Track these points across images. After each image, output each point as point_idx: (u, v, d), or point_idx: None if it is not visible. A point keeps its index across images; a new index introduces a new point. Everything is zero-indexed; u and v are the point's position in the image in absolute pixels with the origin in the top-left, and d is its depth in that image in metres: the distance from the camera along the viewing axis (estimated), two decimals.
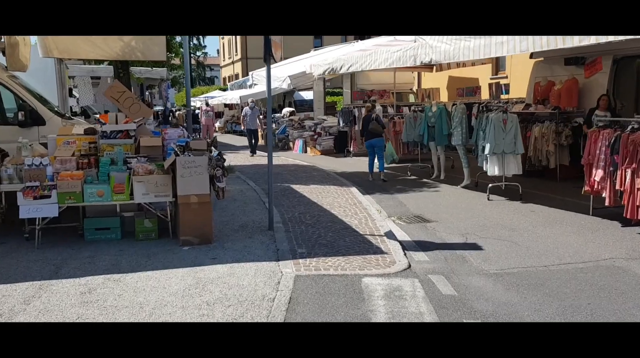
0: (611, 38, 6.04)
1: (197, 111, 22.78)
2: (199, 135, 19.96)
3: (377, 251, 6.30)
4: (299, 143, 18.50)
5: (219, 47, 63.34)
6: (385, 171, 11.88)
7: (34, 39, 10.71)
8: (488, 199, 9.27)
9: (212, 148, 6.82)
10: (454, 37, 8.59)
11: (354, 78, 18.53)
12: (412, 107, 13.67)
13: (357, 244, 6.60)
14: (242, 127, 17.50)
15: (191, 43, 65.33)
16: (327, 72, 14.58)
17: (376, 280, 5.34)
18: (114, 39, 10.61)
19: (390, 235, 7.01)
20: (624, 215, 6.97)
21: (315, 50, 23.92)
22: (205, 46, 70.73)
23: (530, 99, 12.47)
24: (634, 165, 6.75)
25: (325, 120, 18.55)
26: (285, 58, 26.78)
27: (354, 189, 10.38)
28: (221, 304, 4.72)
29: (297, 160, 15.77)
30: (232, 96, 28.67)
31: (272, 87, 21.32)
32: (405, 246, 6.59)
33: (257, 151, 17.29)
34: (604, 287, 5.16)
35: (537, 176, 10.97)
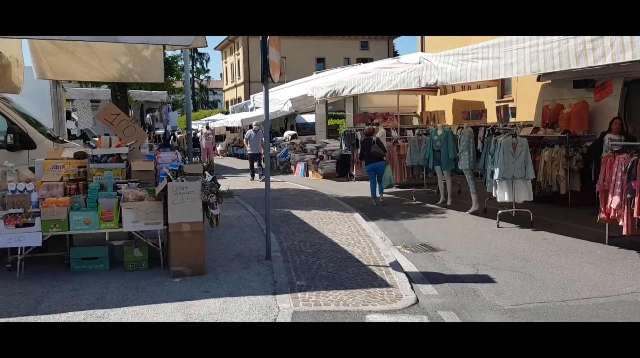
0: (629, 57, 5.69)
1: (197, 134, 22.50)
2: (200, 158, 19.78)
3: (382, 283, 5.87)
4: (300, 167, 18.18)
5: (222, 71, 63.53)
6: (390, 196, 11.50)
7: (27, 61, 10.46)
8: (498, 226, 8.86)
9: (207, 172, 6.44)
10: (460, 58, 8.28)
11: (356, 101, 18.28)
12: (417, 131, 13.32)
13: (361, 275, 6.18)
14: (247, 150, 17.18)
15: (194, 67, 65.72)
16: (329, 94, 14.31)
17: (381, 317, 4.91)
18: (109, 61, 10.35)
19: (395, 265, 6.59)
20: None
21: (317, 73, 23.75)
22: (208, 70, 71.15)
23: (538, 123, 12.13)
24: None
25: (327, 143, 18.25)
26: (287, 81, 26.70)
27: (357, 215, 9.98)
28: None
29: (298, 184, 15.41)
30: (234, 119, 28.48)
31: (273, 110, 21.18)
32: (412, 278, 6.16)
33: (258, 175, 16.85)
34: None
35: (547, 202, 10.57)
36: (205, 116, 39.80)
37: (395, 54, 48.91)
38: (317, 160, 17.54)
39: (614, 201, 7.04)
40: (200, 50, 66.33)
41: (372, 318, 4.89)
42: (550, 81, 12.17)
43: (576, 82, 11.09)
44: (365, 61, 25.23)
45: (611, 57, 5.77)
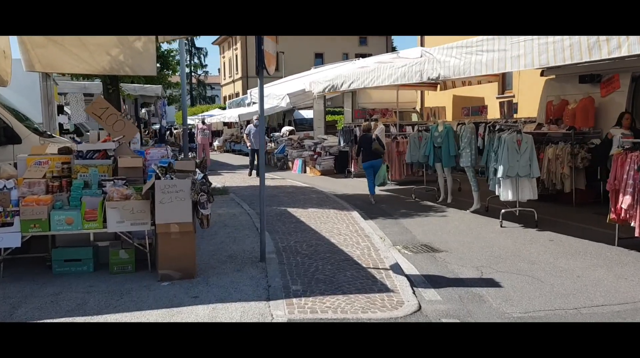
0: None
1: (193, 130, 22.13)
2: (196, 154, 19.41)
3: (382, 288, 5.54)
4: (298, 163, 17.86)
5: (220, 66, 63.09)
6: (388, 193, 11.18)
7: (16, 53, 10.08)
8: (501, 226, 8.54)
9: (198, 169, 6.09)
10: (464, 50, 7.93)
11: (355, 96, 17.95)
12: (417, 127, 12.97)
13: (360, 279, 5.84)
14: (248, 145, 16.85)
15: (192, 61, 65.22)
16: (327, 89, 13.96)
17: None
18: (100, 53, 9.97)
19: (396, 268, 6.25)
20: None
21: (315, 68, 23.39)
22: (206, 65, 70.74)
23: (542, 119, 11.79)
24: None
25: (325, 139, 17.92)
26: (285, 76, 26.30)
27: (355, 214, 9.65)
28: None
29: (295, 181, 15.06)
30: (231, 115, 28.11)
31: (270, 106, 20.84)
32: (414, 282, 5.83)
33: (256, 172, 16.45)
34: None
35: (550, 200, 10.23)
36: (203, 112, 39.42)
37: (394, 50, 48.52)
38: (315, 156, 17.23)
39: (625, 201, 6.71)
40: (197, 44, 65.96)
41: None
42: (554, 76, 11.84)
43: (582, 77, 10.76)
44: (363, 56, 24.80)
45: (627, 49, 5.42)
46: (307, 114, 25.65)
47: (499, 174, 8.50)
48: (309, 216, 9.50)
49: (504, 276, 6.02)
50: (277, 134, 22.36)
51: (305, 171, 17.38)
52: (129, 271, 5.93)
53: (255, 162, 16.59)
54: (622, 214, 6.80)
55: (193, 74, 66.94)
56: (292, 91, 18.65)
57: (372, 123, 14.58)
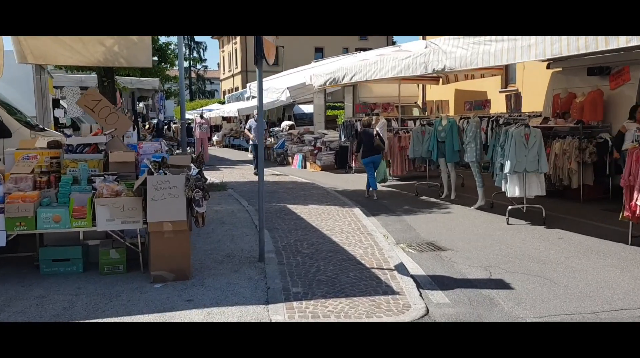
0: None
1: (192, 124, 21.80)
2: (194, 149, 19.10)
3: (387, 290, 5.24)
4: (298, 158, 17.56)
5: (220, 61, 62.64)
6: (391, 189, 10.89)
7: (8, 44, 9.76)
8: (507, 223, 8.25)
9: (193, 165, 5.79)
10: (472, 40, 7.61)
11: (356, 91, 17.64)
12: (420, 121, 12.67)
13: (363, 280, 5.55)
14: (251, 138, 16.51)
15: (191, 55, 64.80)
16: (328, 82, 13.64)
17: None
18: (94, 44, 9.67)
19: (401, 268, 5.96)
20: None
21: (315, 62, 23.06)
22: (205, 59, 70.24)
23: (548, 113, 11.48)
24: None
25: (325, 134, 17.61)
26: (285, 70, 25.96)
27: (357, 211, 9.35)
28: None
29: (295, 176, 14.75)
30: (230, 109, 27.78)
31: (270, 100, 20.49)
32: (420, 283, 5.55)
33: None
34: None
35: (557, 196, 9.94)
36: (202, 106, 39.06)
37: (394, 44, 48.09)
38: (315, 151, 16.93)
39: None
40: (197, 38, 65.43)
41: None
42: (561, 69, 11.53)
43: (590, 69, 10.45)
44: (364, 50, 24.42)
45: None
46: (307, 108, 25.35)
47: (506, 169, 8.20)
48: (310, 213, 9.21)
49: (514, 277, 5.73)
50: (276, 128, 22.06)
51: (305, 167, 17.09)
52: (120, 272, 5.63)
53: (250, 155, 16.21)
54: (638, 212, 6.51)
55: (192, 68, 66.52)
56: (292, 84, 18.34)
57: (374, 118, 14.30)
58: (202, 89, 69.43)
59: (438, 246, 7.10)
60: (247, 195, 11.14)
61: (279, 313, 4.63)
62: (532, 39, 6.45)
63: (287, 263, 6.12)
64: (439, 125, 10.60)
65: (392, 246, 7.04)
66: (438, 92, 18.69)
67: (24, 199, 5.37)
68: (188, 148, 16.45)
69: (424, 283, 5.60)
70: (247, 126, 17.81)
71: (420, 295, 5.15)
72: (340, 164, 16.23)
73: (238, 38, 50.43)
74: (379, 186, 11.98)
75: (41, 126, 9.65)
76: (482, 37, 7.34)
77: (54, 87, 16.85)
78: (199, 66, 68.65)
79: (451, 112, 17.32)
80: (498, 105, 16.27)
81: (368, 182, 11.00)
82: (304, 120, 24.69)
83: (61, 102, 17.33)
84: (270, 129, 22.01)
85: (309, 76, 16.47)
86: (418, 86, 18.98)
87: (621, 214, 6.88)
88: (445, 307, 4.91)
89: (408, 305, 4.85)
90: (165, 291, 5.15)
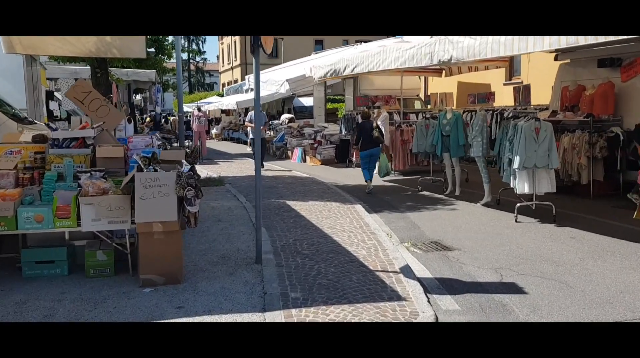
0: None
1: (190, 117, 21.42)
2: (192, 142, 18.71)
3: (393, 295, 4.89)
4: (297, 152, 17.20)
5: (219, 53, 62.08)
6: (393, 184, 10.55)
7: None
8: (516, 221, 7.90)
9: (184, 161, 5.43)
10: None
11: (356, 83, 17.25)
12: (424, 114, 12.30)
13: (367, 284, 5.20)
14: (251, 131, 16.10)
15: (190, 47, 64.23)
16: (329, 74, 13.25)
17: None
18: None
19: (407, 271, 5.61)
20: None
21: (315, 53, 22.64)
22: (204, 52, 69.64)
23: (556, 106, 11.10)
24: None
25: (326, 127, 17.24)
26: (284, 62, 25.54)
27: (359, 207, 9.00)
28: None
29: (295, 171, 14.38)
30: (229, 102, 27.37)
31: (269, 92, 20.04)
32: (427, 287, 5.20)
33: (264, 163, 15.26)
34: None
35: (566, 192, 9.58)
36: (201, 99, 38.62)
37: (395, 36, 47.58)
38: (315, 145, 16.56)
39: None
40: None
41: None
42: (569, 60, 11.13)
43: (601, 60, 10.05)
44: (365, 43, 23.94)
45: None
46: (307, 101, 24.95)
47: (515, 165, 7.84)
48: (310, 209, 8.86)
49: (527, 280, 5.39)
50: (276, 122, 21.67)
51: (305, 161, 16.74)
52: (108, 275, 5.28)
53: (249, 149, 15.73)
54: None
55: (191, 60, 65.99)
56: (292, 76, 17.95)
57: (375, 111, 13.94)
58: (202, 81, 68.87)
59: (444, 246, 6.76)
60: (246, 191, 10.79)
61: (276, 321, 4.28)
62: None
63: (286, 265, 5.76)
64: (443, 118, 10.23)
65: (397, 246, 6.69)
66: (441, 85, 18.29)
67: (3, 197, 5.02)
68: (186, 141, 16.10)
69: (432, 287, 5.26)
70: (247, 118, 17.43)
71: (428, 301, 4.81)
72: (340, 158, 15.89)
73: None
74: (381, 180, 11.68)
75: (30, 119, 9.26)
76: None
77: (49, 79, 16.49)
78: (198, 59, 68.10)
79: (454, 106, 16.94)
80: (502, 98, 15.89)
81: (364, 175, 10.73)
82: (304, 113, 24.32)
83: (56, 94, 16.97)
84: (269, 122, 21.62)
85: (309, 67, 16.07)
86: (420, 78, 18.59)
87: (636, 212, 6.54)
88: (456, 314, 4.57)
89: (416, 313, 4.51)
90: (155, 296, 4.80)
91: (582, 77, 10.67)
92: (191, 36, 65.51)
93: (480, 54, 7.24)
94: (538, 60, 13.80)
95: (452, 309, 4.69)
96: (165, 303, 4.65)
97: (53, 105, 16.16)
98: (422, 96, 19.16)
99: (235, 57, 52.17)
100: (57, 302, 4.68)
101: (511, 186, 8.21)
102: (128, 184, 5.06)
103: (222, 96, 36.08)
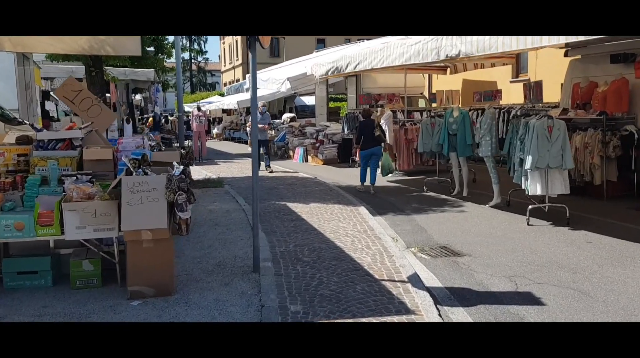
0: None
1: (189, 117, 21.08)
2: (191, 142, 18.38)
3: (401, 308, 4.53)
4: (299, 152, 16.85)
5: (220, 53, 61.75)
6: (397, 185, 10.20)
7: None
8: (528, 224, 7.54)
9: (176, 163, 5.07)
10: None
11: (359, 81, 16.89)
12: (430, 112, 11.94)
13: (372, 295, 4.83)
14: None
15: (191, 47, 63.93)
16: (330, 72, 12.88)
17: None
18: None
19: (414, 279, 5.25)
20: None
21: (317, 51, 22.26)
22: (206, 51, 69.33)
23: (566, 103, 10.73)
24: None
25: (328, 127, 16.89)
26: (285, 60, 25.18)
27: (362, 209, 8.64)
28: None
29: (296, 171, 14.03)
30: (230, 101, 27.05)
31: (270, 91, 19.60)
32: (437, 298, 4.85)
33: (265, 164, 14.33)
34: None
35: (578, 194, 9.17)
36: (202, 99, 38.32)
37: None
38: (317, 145, 16.21)
39: None
40: None
41: None
42: (580, 56, 10.76)
43: (614, 56, 9.69)
44: (369, 38, 23.55)
45: None
46: (309, 100, 24.63)
47: (527, 165, 7.47)
48: (311, 212, 8.50)
49: (544, 290, 5.03)
50: (277, 121, 21.34)
51: (306, 160, 16.39)
52: (95, 286, 4.94)
53: (262, 151, 15.14)
54: None
55: (193, 60, 65.68)
56: (293, 75, 17.60)
57: (379, 109, 13.59)
58: (203, 81, 68.58)
59: (453, 251, 6.40)
60: (245, 192, 10.43)
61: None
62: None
63: (285, 274, 5.40)
64: (449, 117, 9.87)
65: (403, 252, 6.33)
66: (445, 83, 17.91)
67: None
68: (186, 141, 15.76)
69: (442, 297, 4.90)
70: (249, 118, 17.10)
71: (439, 314, 4.45)
72: (343, 158, 15.53)
73: None
74: (385, 181, 11.34)
75: (20, 120, 8.91)
76: None
77: (44, 78, 16.16)
78: (199, 58, 67.79)
79: (460, 104, 16.57)
80: (509, 96, 15.51)
81: (370, 176, 10.40)
82: (306, 112, 24.00)
83: (52, 94, 16.61)
84: (270, 122, 21.26)
85: (310, 65, 15.71)
86: (424, 76, 18.23)
87: None
88: None
89: None
90: (144, 310, 4.44)
91: (594, 74, 10.31)
92: (192, 36, 65.23)
93: (490, 49, 6.86)
94: (546, 56, 13.41)
95: (464, 322, 4.33)
96: (154, 317, 4.29)
97: (49, 105, 15.80)
98: (426, 94, 18.79)
99: (237, 56, 51.87)
100: (37, 317, 4.33)
101: (522, 187, 7.84)
102: (115, 189, 4.71)
103: (223, 95, 35.75)
